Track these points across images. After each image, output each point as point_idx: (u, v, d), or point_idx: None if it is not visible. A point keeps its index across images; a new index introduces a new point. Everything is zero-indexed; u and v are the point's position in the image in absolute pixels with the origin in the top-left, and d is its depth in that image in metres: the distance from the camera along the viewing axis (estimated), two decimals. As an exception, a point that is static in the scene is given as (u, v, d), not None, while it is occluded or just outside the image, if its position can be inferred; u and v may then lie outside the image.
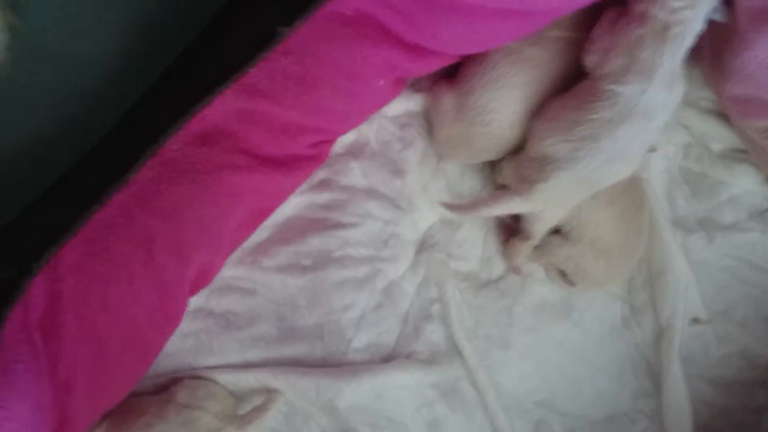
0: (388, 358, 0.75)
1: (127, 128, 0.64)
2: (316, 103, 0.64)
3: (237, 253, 0.73)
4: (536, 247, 0.71)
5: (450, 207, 0.71)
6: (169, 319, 0.68)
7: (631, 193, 0.70)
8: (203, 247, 0.66)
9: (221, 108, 0.61)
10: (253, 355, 0.74)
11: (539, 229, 0.68)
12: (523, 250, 0.71)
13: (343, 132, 0.69)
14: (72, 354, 0.62)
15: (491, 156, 0.73)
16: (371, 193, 0.74)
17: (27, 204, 0.66)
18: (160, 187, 0.62)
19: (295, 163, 0.68)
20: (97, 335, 0.63)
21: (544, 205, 0.66)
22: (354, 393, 0.73)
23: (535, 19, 0.62)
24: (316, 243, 0.73)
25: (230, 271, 0.73)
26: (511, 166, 0.68)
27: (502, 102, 0.69)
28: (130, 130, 0.63)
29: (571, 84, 0.69)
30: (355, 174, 0.73)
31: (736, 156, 0.77)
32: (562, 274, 0.73)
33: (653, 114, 0.65)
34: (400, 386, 0.74)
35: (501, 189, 0.72)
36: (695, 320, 0.78)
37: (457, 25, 0.60)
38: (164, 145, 0.60)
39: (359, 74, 0.64)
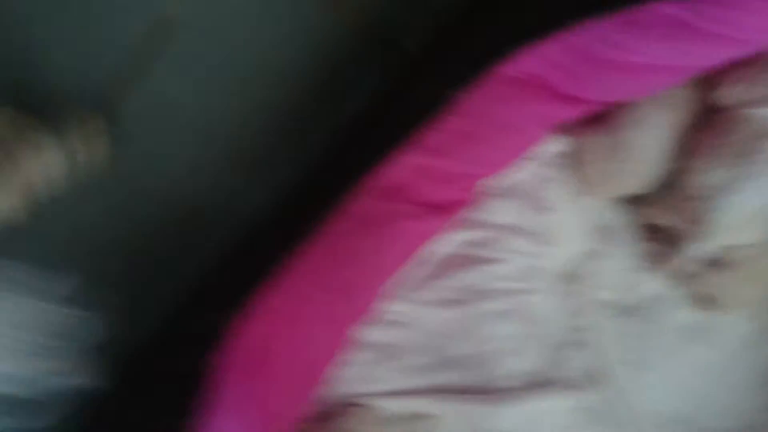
0: (537, 384, 0.83)
1: (316, 186, 0.74)
2: (478, 154, 0.73)
3: (395, 290, 0.82)
4: (690, 275, 0.80)
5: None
6: (339, 351, 0.78)
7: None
8: (376, 287, 0.76)
9: (402, 165, 0.71)
10: (411, 382, 0.83)
11: (743, 254, 0.76)
12: (740, 280, 0.79)
13: (495, 174, 0.78)
14: (272, 386, 0.72)
15: (636, 190, 0.81)
16: (518, 230, 0.82)
17: (225, 255, 0.77)
18: (350, 238, 0.71)
19: (450, 206, 0.77)
20: (289, 369, 0.73)
21: (727, 233, 0.74)
22: (507, 417, 0.82)
23: (695, 70, 0.70)
24: (467, 278, 0.82)
25: (388, 306, 0.82)
26: (670, 214, 0.77)
27: (650, 140, 0.78)
28: (321, 187, 0.73)
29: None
30: (503, 212, 0.82)
31: None
32: (708, 299, 0.81)
33: None
34: (549, 410, 0.83)
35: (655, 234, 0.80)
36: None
37: (621, 81, 0.68)
38: (354, 201, 0.70)
39: (519, 126, 0.73)
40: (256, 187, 0.80)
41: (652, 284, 0.86)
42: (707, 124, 0.79)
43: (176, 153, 0.85)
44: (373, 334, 0.83)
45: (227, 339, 0.69)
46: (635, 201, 0.84)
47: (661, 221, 0.80)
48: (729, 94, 0.78)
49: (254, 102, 0.81)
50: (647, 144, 0.78)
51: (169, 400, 0.69)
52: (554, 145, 0.81)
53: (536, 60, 0.68)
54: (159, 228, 0.84)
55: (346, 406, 0.83)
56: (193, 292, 0.80)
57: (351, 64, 0.80)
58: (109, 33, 0.82)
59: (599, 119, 0.80)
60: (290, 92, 0.81)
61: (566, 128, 0.81)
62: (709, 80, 0.79)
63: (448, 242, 0.83)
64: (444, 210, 0.75)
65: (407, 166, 0.71)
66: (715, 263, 0.80)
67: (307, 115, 0.80)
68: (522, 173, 0.82)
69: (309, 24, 0.82)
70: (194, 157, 0.82)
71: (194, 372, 0.69)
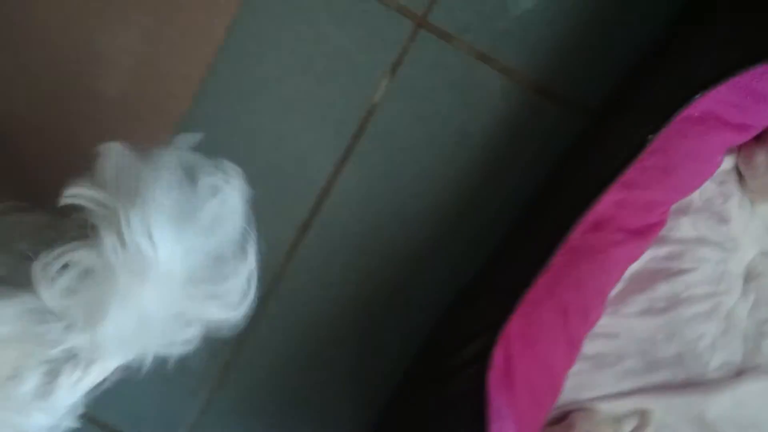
0: (739, 372, 1.00)
1: (536, 227, 0.93)
2: (672, 183, 0.91)
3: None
4: None
5: None
6: (571, 365, 0.97)
7: None
8: (597, 306, 0.94)
9: (606, 201, 0.89)
10: (625, 385, 1.01)
11: None
12: None
13: (684, 197, 0.96)
14: (520, 403, 0.91)
15: (802, 195, 0.98)
16: (702, 241, 0.99)
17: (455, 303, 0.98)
18: (569, 268, 0.90)
19: (651, 229, 0.95)
20: (532, 384, 0.92)
21: None
22: (718, 404, 0.98)
23: None
24: (664, 289, 1.00)
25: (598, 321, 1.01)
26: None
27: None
28: (541, 228, 0.93)
29: None
30: (686, 228, 0.99)
31: None
32: None
33: None
34: (755, 393, 0.99)
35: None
36: None
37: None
38: (571, 236, 0.89)
39: (704, 156, 0.91)
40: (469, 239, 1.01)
41: (826, 273, 1.02)
42: None
43: (389, 211, 1.07)
44: (587, 346, 1.01)
45: (485, 365, 0.88)
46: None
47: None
48: None
49: (451, 165, 1.02)
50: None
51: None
52: (725, 164, 0.99)
53: (710, 101, 0.86)
54: (385, 283, 1.05)
55: (574, 411, 1.02)
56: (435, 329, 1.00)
57: (537, 124, 1.01)
58: (329, 118, 1.04)
59: (759, 137, 0.98)
60: (483, 154, 1.02)
61: (733, 148, 0.99)
62: None
63: (641, 258, 1.01)
64: (645, 234, 0.93)
65: (612, 202, 0.90)
66: None
67: (500, 175, 1.00)
68: (699, 192, 0.99)
69: (491, 94, 1.03)
70: (403, 217, 1.03)
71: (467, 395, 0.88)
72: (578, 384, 1.01)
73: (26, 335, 0.65)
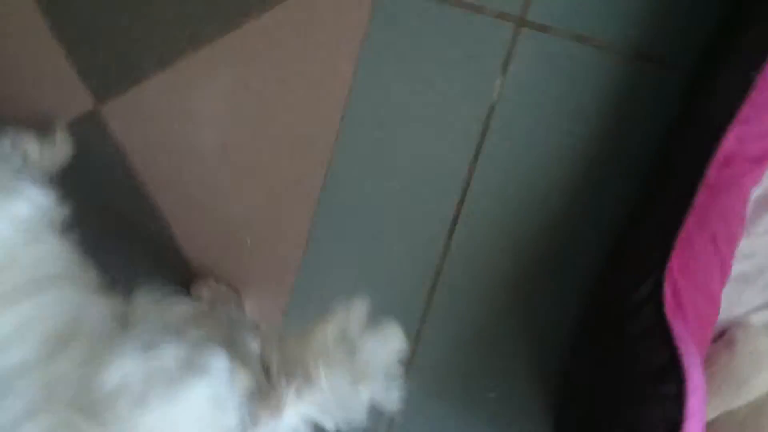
0: None
1: (672, 176, 1.09)
2: (776, 112, 1.07)
3: (736, 231, 1.15)
4: None
5: None
6: (723, 286, 1.12)
7: None
8: (739, 232, 1.09)
9: (729, 139, 1.05)
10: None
11: None
12: None
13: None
14: (692, 327, 1.06)
15: None
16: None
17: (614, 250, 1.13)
18: (711, 202, 1.05)
19: (766, 154, 1.10)
20: (698, 310, 1.07)
21: None
22: None
23: None
24: (786, 206, 1.15)
25: (734, 245, 1.16)
26: None
27: None
28: (677, 176, 1.08)
29: None
30: (792, 148, 1.14)
31: None
32: None
33: None
34: None
35: None
36: None
37: None
38: (707, 175, 1.05)
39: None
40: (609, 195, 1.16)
41: None
42: None
43: (525, 193, 1.22)
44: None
45: (659, 301, 1.03)
46: None
47: None
48: None
49: (571, 141, 1.17)
50: None
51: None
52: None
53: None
54: (533, 258, 1.20)
55: (730, 328, 1.17)
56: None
57: (642, 89, 1.16)
58: (455, 123, 1.20)
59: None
60: (599, 126, 1.17)
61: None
62: None
63: (761, 182, 1.16)
64: (763, 159, 1.09)
65: (734, 138, 1.05)
66: None
67: (618, 141, 1.16)
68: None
69: (595, 71, 1.18)
70: (539, 197, 1.19)
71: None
72: (729, 303, 1.16)
73: (209, 419, 0.73)
